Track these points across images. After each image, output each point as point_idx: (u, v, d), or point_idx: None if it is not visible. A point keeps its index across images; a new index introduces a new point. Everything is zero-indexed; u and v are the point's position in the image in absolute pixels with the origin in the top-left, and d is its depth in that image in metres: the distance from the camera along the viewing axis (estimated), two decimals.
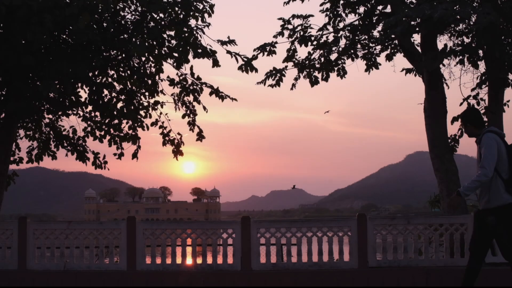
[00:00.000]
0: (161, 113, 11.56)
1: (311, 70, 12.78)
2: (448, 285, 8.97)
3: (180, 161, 11.98)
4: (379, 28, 12.08)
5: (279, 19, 12.30)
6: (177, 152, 11.64)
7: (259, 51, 12.05)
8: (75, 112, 11.61)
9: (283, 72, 12.44)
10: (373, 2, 11.97)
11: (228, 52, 10.00)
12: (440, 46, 11.31)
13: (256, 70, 10.17)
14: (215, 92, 10.79)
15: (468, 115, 6.80)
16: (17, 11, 8.35)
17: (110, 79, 10.89)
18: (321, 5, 12.39)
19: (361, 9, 12.21)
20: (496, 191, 6.43)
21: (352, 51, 12.72)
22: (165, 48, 10.14)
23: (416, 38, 12.06)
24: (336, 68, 12.94)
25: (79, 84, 10.64)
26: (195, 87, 10.94)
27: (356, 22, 12.21)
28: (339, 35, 12.41)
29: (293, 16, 12.17)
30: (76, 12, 8.18)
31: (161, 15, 9.93)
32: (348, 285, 9.03)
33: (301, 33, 12.35)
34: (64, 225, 9.56)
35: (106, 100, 10.88)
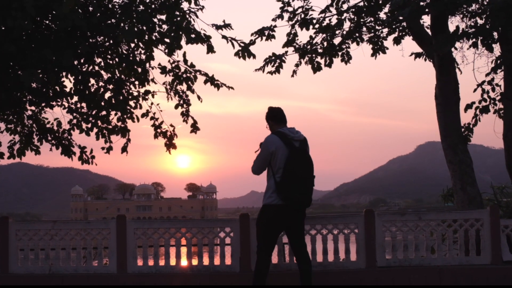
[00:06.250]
0: (152, 103, 11.54)
1: (313, 55, 12.75)
2: (463, 285, 8.99)
3: (174, 155, 11.99)
4: (386, 9, 12.03)
5: (278, 0, 12.26)
6: (170, 145, 11.63)
7: (257, 36, 12.01)
8: (59, 103, 11.57)
9: (283, 58, 12.40)
10: None
11: (224, 37, 9.97)
12: (451, 28, 11.26)
13: (254, 56, 10.14)
14: (210, 80, 10.76)
15: (268, 113, 7.69)
16: None
17: (97, 68, 10.85)
18: None
19: None
20: (267, 191, 7.38)
21: (357, 34, 12.69)
22: (156, 34, 10.09)
23: (426, 19, 12.04)
24: (340, 53, 12.91)
25: (64, 73, 10.61)
26: (188, 75, 10.92)
27: (361, 3, 12.14)
28: (342, 17, 12.36)
29: None
30: None
31: None
32: (356, 286, 9.04)
33: (302, 15, 12.30)
34: (49, 225, 9.55)
35: (93, 90, 10.85)
